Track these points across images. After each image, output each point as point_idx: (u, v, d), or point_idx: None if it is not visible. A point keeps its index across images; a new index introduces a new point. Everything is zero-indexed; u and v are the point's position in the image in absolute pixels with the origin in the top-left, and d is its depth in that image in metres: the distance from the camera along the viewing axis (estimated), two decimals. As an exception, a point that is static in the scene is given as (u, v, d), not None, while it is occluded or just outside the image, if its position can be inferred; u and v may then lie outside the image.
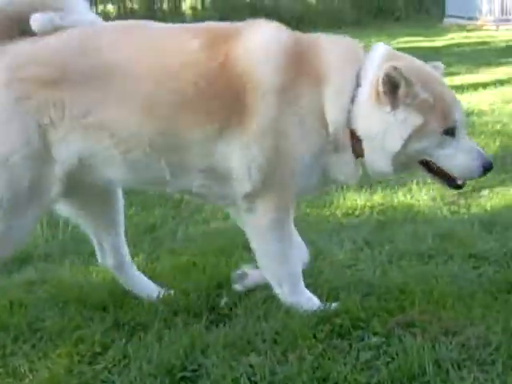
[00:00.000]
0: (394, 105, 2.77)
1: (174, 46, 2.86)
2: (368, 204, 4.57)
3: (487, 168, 2.89)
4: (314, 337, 2.75)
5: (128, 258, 3.30)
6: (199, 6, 23.97)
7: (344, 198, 4.75)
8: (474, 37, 17.22)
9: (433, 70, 2.98)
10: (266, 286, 3.09)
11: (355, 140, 2.87)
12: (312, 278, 3.27)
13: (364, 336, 2.76)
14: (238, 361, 2.63)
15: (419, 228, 4.15)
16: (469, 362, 2.59)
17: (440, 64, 3.11)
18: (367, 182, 4.80)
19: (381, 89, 2.76)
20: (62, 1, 2.89)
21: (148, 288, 3.29)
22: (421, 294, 3.07)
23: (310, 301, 3.00)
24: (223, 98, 2.78)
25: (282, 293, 3.00)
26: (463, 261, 3.57)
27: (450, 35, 17.57)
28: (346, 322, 2.83)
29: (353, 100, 2.84)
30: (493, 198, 4.96)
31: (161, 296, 3.23)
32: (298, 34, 2.99)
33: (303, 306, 2.96)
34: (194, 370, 2.63)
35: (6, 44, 2.80)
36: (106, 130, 2.80)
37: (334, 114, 2.84)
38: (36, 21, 2.81)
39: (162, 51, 2.84)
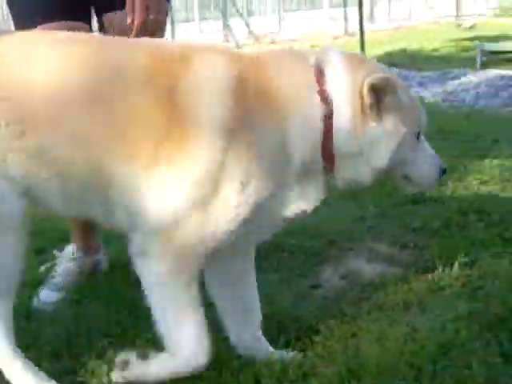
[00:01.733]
0: (379, 115, 2.43)
1: None
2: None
3: (441, 175, 2.63)
4: None
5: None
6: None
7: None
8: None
9: None
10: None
11: (327, 159, 2.49)
12: None
13: None
14: None
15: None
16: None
17: None
18: None
19: (367, 101, 2.40)
20: None
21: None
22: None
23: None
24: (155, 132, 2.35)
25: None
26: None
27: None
28: None
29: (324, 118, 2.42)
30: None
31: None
32: (243, 58, 2.50)
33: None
34: None
35: None
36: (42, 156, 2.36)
37: (303, 141, 2.41)
38: None
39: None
